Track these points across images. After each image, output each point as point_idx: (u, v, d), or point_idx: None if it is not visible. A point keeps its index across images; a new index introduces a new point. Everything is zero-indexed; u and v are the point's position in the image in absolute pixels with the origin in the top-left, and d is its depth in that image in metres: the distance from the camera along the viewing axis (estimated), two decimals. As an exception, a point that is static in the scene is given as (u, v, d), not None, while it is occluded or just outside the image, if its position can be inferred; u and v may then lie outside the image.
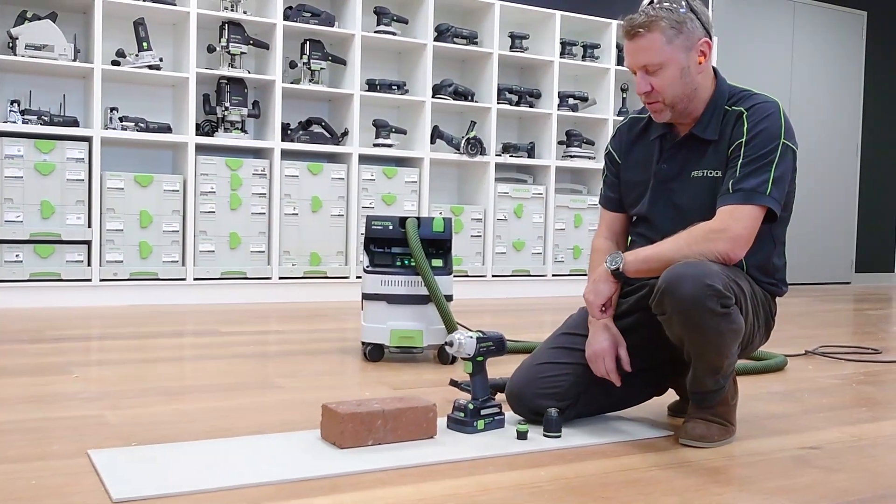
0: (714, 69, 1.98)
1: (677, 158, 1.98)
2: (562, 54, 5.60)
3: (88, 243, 4.25)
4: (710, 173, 1.92)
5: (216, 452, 1.69)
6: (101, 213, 4.27)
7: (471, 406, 1.91)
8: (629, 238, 2.13)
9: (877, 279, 7.66)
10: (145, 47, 4.39)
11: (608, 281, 1.87)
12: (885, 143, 7.68)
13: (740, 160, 1.85)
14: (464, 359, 1.93)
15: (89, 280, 4.23)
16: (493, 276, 5.30)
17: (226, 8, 4.58)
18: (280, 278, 4.68)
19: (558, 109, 5.56)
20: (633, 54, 1.89)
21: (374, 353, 2.86)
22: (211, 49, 4.57)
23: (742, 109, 1.90)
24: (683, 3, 1.88)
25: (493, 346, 1.95)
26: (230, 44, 4.54)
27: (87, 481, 1.52)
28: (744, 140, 1.87)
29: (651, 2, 1.88)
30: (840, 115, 7.41)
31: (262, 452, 1.70)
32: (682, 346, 1.83)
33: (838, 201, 7.43)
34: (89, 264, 4.24)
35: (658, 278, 1.79)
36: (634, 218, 2.11)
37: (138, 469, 1.57)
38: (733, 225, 1.80)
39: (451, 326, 2.74)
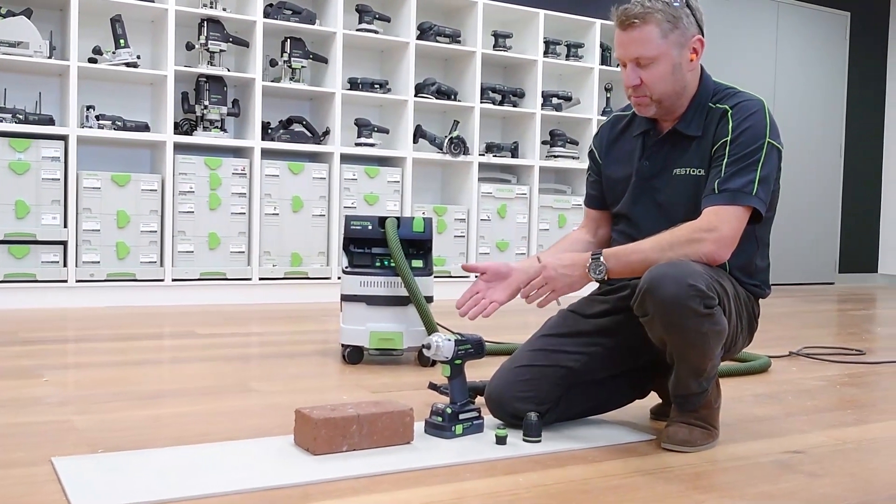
0: (700, 65, 1.95)
1: (659, 155, 1.94)
2: (545, 53, 5.57)
3: (64, 244, 4.18)
4: (693, 171, 1.88)
5: (185, 460, 1.64)
6: (77, 213, 4.20)
7: (449, 410, 1.86)
8: (612, 237, 2.10)
9: (860, 279, 7.67)
10: (122, 44, 4.32)
11: (584, 279, 1.81)
12: (869, 143, 7.70)
13: (725, 159, 1.82)
14: (441, 362, 1.89)
15: (65, 281, 4.16)
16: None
17: (205, 5, 4.51)
18: (260, 279, 4.62)
19: (542, 109, 5.52)
20: (625, 46, 1.84)
21: (354, 355, 2.81)
22: (189, 46, 4.51)
23: (727, 107, 1.87)
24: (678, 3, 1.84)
25: (472, 348, 1.91)
26: (209, 41, 4.47)
27: (48, 490, 1.47)
28: (729, 139, 1.83)
29: None
30: (824, 115, 7.42)
31: (233, 460, 1.65)
32: (664, 349, 1.80)
33: (822, 202, 7.43)
34: (65, 265, 4.17)
35: (639, 279, 1.76)
36: (615, 217, 2.08)
37: (102, 477, 1.52)
38: (719, 226, 1.77)
39: (431, 328, 2.70)
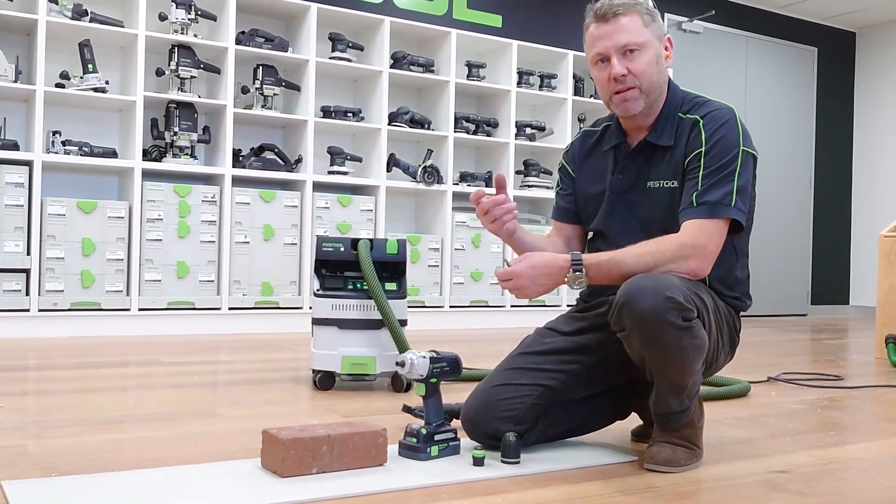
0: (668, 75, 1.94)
1: (632, 168, 1.91)
2: (519, 84, 5.58)
3: (27, 272, 4.06)
4: (667, 184, 1.85)
5: (143, 483, 1.55)
6: (40, 241, 4.09)
7: (424, 431, 1.79)
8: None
9: (832, 311, 7.70)
10: (91, 69, 4.25)
11: (559, 284, 1.75)
12: (838, 176, 7.78)
13: (701, 171, 1.79)
14: (416, 380, 1.82)
15: (27, 310, 4.03)
16: (450, 306, 5.19)
17: (176, 31, 4.46)
18: (230, 309, 4.52)
19: (516, 139, 5.51)
20: (611, 36, 1.82)
21: (325, 381, 2.73)
22: (160, 72, 4.45)
23: (697, 117, 1.85)
24: (650, 0, 1.87)
25: (448, 366, 1.84)
26: (180, 67, 4.42)
27: (-5, 515, 1.37)
28: (703, 150, 1.80)
29: None
30: (794, 148, 7.49)
31: (195, 483, 1.56)
32: (643, 365, 1.74)
33: (794, 234, 7.48)
34: (27, 294, 4.05)
35: (616, 294, 1.70)
36: (591, 234, 2.04)
37: (54, 501, 1.42)
38: (704, 241, 1.73)
39: (403, 350, 2.62)
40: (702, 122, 1.83)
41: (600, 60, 1.85)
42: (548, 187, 5.67)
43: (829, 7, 7.27)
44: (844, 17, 7.52)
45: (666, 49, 1.88)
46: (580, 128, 5.92)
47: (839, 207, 7.80)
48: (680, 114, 1.87)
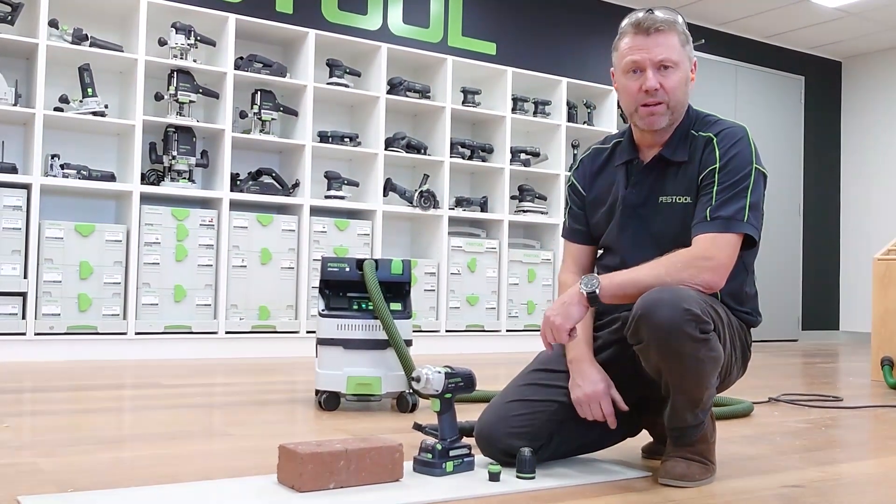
0: None
1: (645, 183, 1.93)
2: (513, 110, 5.63)
3: (24, 295, 4.03)
4: (680, 199, 1.87)
5: (161, 499, 1.54)
6: (38, 264, 4.07)
7: (439, 447, 1.79)
8: (595, 271, 2.06)
9: (823, 336, 7.74)
10: (90, 93, 4.26)
11: (580, 304, 1.76)
12: (826, 203, 7.86)
13: (715, 187, 1.81)
14: (431, 396, 1.82)
15: (24, 334, 4.00)
16: (446, 330, 5.19)
17: (175, 56, 4.49)
18: (227, 333, 4.50)
19: (511, 164, 5.54)
20: (650, 49, 1.84)
21: (330, 401, 2.72)
22: (158, 97, 4.46)
23: (711, 135, 1.88)
24: (685, 23, 1.90)
25: (462, 382, 1.84)
26: (179, 92, 4.43)
27: (15, 529, 1.36)
28: (717, 167, 1.83)
29: (651, 11, 1.87)
30: (783, 176, 7.57)
31: (214, 498, 1.56)
32: (659, 379, 1.75)
33: (784, 260, 7.53)
34: (24, 317, 4.02)
35: (632, 308, 1.72)
36: (601, 251, 2.05)
37: (74, 515, 1.41)
38: (717, 254, 1.75)
39: (410, 371, 2.62)
40: (716, 139, 1.86)
41: (633, 70, 1.86)
42: (543, 212, 5.70)
43: (816, 37, 7.40)
44: (830, 46, 7.65)
45: (692, 72, 1.91)
46: (574, 154, 5.97)
47: (828, 233, 7.87)
48: (693, 131, 1.90)
